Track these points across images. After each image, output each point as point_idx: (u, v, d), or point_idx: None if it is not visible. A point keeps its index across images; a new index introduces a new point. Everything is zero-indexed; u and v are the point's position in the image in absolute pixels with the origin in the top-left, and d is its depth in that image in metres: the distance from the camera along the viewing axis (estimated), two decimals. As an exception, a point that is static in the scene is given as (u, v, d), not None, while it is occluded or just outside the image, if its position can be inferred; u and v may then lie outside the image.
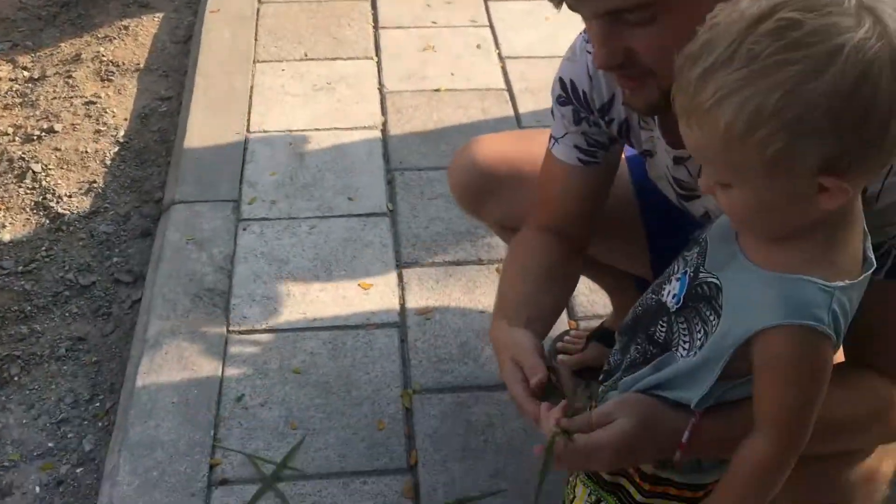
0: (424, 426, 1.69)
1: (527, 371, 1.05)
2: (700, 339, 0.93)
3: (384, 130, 2.45)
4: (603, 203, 1.33)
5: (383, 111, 2.52)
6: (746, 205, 0.85)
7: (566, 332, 1.86)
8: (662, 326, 0.99)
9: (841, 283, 0.85)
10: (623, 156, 1.47)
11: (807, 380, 0.88)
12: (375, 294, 1.98)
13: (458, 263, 2.05)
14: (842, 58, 0.74)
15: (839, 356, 1.01)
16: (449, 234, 2.13)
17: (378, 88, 2.61)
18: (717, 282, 0.92)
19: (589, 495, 1.13)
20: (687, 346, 0.95)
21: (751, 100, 0.76)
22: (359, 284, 2.00)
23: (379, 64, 2.69)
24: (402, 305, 1.95)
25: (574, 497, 1.16)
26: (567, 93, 1.23)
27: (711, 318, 0.92)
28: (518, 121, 2.50)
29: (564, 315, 1.94)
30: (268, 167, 2.32)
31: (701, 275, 0.95)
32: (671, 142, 1.14)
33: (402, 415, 1.72)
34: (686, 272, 0.98)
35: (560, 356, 1.79)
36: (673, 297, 0.98)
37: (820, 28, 0.75)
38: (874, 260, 0.89)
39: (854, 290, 0.87)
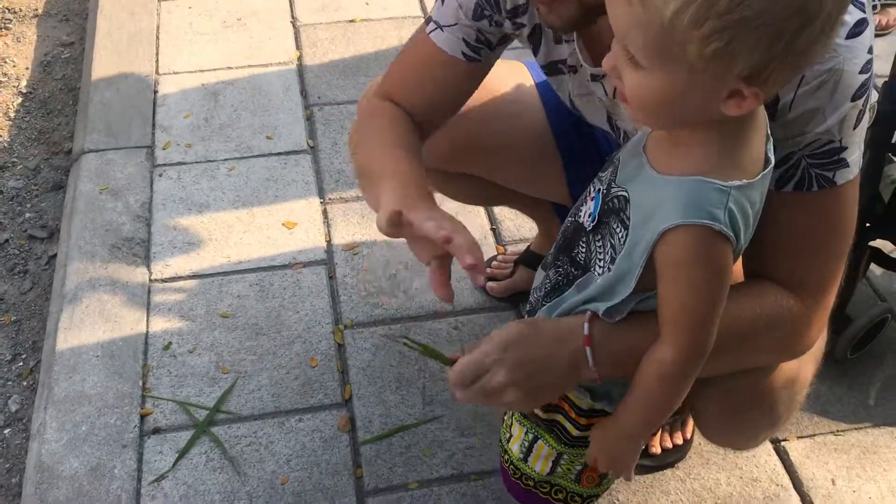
0: (357, 360, 1.69)
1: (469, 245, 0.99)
2: (611, 254, 0.94)
3: (300, 65, 2.39)
4: (462, 103, 1.28)
5: (298, 45, 2.45)
6: (654, 91, 0.83)
7: (494, 258, 1.86)
8: (582, 247, 1.00)
9: (738, 183, 0.85)
10: (533, 82, 1.46)
11: (706, 280, 0.89)
12: (301, 232, 1.95)
13: (382, 196, 2.03)
14: None
15: (740, 272, 1.03)
16: (372, 167, 2.10)
17: (291, 22, 2.53)
18: (626, 194, 0.92)
19: (525, 434, 1.14)
20: (602, 262, 0.96)
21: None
22: (283, 224, 1.97)
23: (291, -3, 2.61)
24: (329, 242, 1.93)
25: (511, 436, 1.17)
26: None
27: (619, 230, 0.93)
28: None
29: (492, 240, 1.94)
30: (181, 110, 2.24)
31: (612, 190, 0.95)
32: (592, 58, 1.12)
33: (335, 351, 1.71)
34: (599, 190, 0.98)
35: (490, 283, 1.80)
36: (588, 217, 0.99)
37: None
38: (773, 160, 0.90)
39: (754, 189, 0.87)
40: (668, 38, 0.77)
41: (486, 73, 1.27)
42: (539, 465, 1.14)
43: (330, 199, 2.03)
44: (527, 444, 1.14)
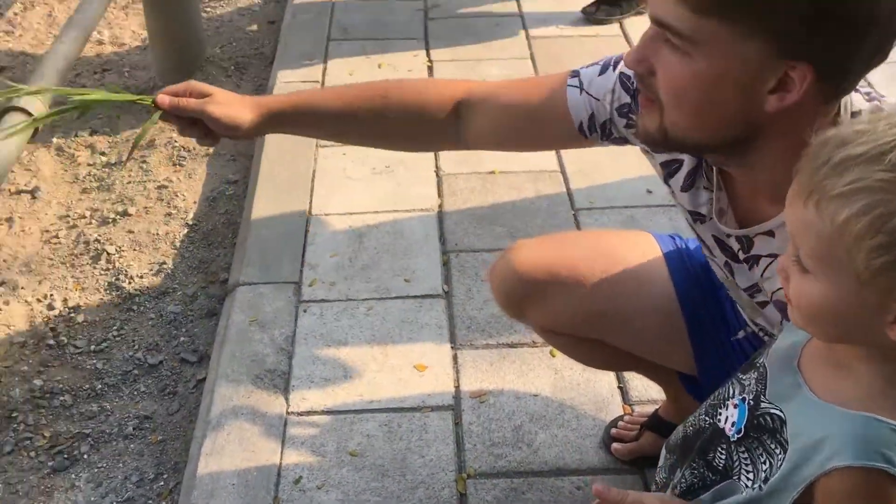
0: (478, 512, 1.71)
1: None
2: (765, 472, 0.93)
3: (440, 212, 2.52)
4: (524, 146, 1.39)
5: (439, 193, 2.60)
6: (817, 299, 0.83)
7: (620, 418, 1.86)
8: (721, 453, 0.99)
9: None
10: (660, 252, 1.49)
11: None
12: (431, 376, 2.01)
13: (511, 346, 2.08)
14: None
15: None
16: (503, 316, 2.15)
17: (435, 171, 2.69)
18: (781, 414, 0.92)
19: None
20: (751, 476, 0.95)
21: (882, 206, 0.75)
22: (414, 366, 2.04)
23: (436, 147, 2.78)
24: (457, 388, 1.98)
25: None
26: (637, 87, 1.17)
27: (777, 451, 0.91)
28: (571, 202, 2.55)
29: (619, 399, 1.94)
30: (328, 249, 2.40)
31: (762, 405, 0.94)
32: (739, 221, 1.13)
33: (457, 500, 1.73)
34: (745, 399, 0.97)
35: (614, 444, 1.79)
36: (732, 426, 0.98)
37: None
38: None
39: None
40: (836, 245, 0.78)
41: (573, 145, 1.31)
42: None
43: (461, 344, 2.10)
44: None
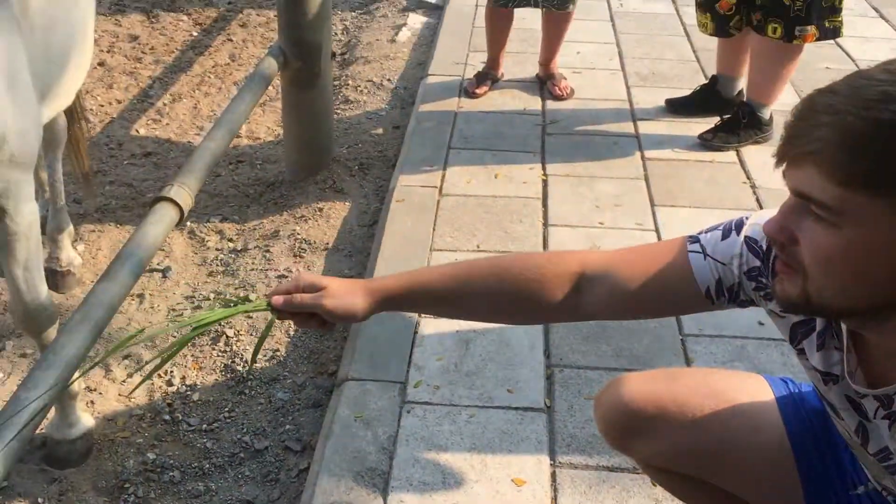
0: None
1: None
2: None
3: (547, 326, 2.56)
4: (650, 314, 1.41)
5: (547, 306, 2.63)
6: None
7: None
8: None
9: None
10: (773, 396, 1.48)
11: None
12: (528, 492, 2.01)
13: (612, 469, 2.06)
14: None
15: None
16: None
17: (544, 283, 2.73)
18: None
19: None
20: None
21: None
22: (512, 480, 2.04)
23: (546, 260, 2.83)
24: (554, 507, 1.97)
25: None
26: (767, 251, 1.20)
27: None
28: (679, 326, 2.54)
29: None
30: (434, 352, 2.46)
31: None
32: (870, 381, 1.13)
33: None
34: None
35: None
36: None
37: None
38: None
39: None
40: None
41: (697, 309, 1.32)
42: None
43: (560, 462, 2.09)
44: None
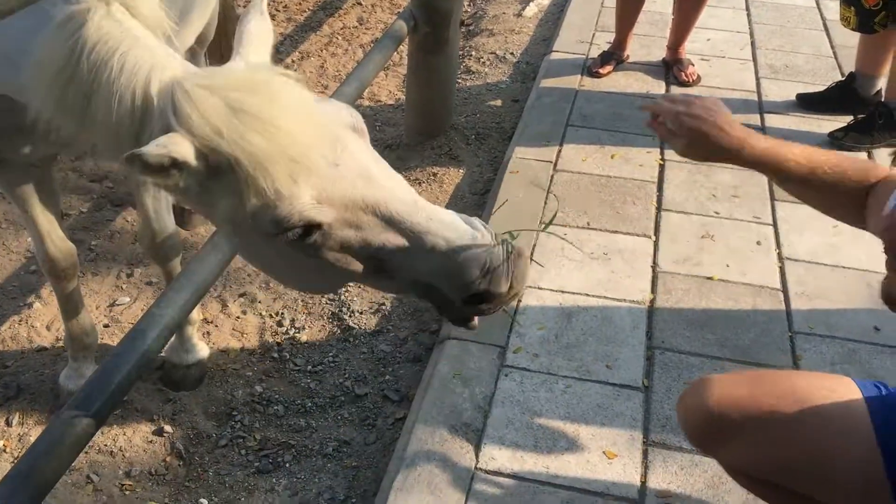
0: None
1: None
2: None
3: (651, 307, 2.54)
4: None
5: (653, 289, 2.62)
6: None
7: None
8: None
9: None
10: (861, 396, 1.42)
11: None
12: (619, 465, 2.02)
13: (705, 455, 2.05)
14: None
15: None
16: (701, 422, 2.13)
17: (651, 266, 2.71)
18: None
19: None
20: None
21: None
22: (604, 452, 2.06)
23: (656, 244, 2.81)
24: (643, 484, 1.98)
25: None
26: None
27: None
28: (789, 322, 2.48)
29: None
30: (536, 321, 2.48)
31: None
32: None
33: None
34: None
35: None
36: None
37: None
38: None
39: None
40: None
41: None
42: None
43: (653, 441, 2.09)
44: None
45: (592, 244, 2.81)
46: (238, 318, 2.64)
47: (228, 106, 1.19)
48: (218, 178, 1.22)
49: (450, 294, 1.36)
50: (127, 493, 2.07)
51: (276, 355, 2.50)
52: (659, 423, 2.15)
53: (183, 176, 1.20)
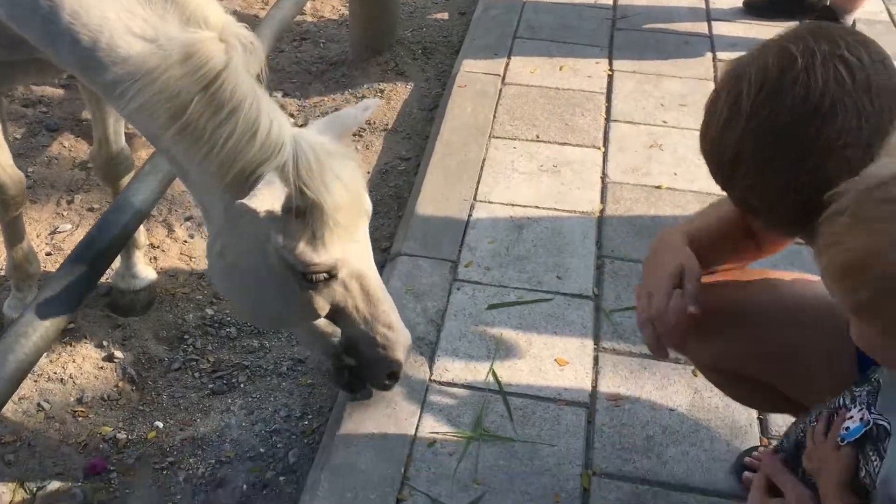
0: (599, 509, 1.75)
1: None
2: (861, 478, 0.98)
3: (600, 217, 2.56)
4: None
5: (602, 199, 2.63)
6: (859, 340, 0.96)
7: (755, 448, 1.84)
8: None
9: None
10: None
11: None
12: (570, 372, 2.06)
13: (654, 358, 2.09)
14: None
15: None
16: (650, 327, 2.17)
17: (601, 177, 2.72)
18: (888, 426, 0.96)
19: None
20: None
21: (846, 252, 0.89)
22: (555, 360, 2.09)
23: (605, 154, 2.81)
24: (594, 388, 2.02)
25: None
26: None
27: (874, 459, 0.96)
28: (735, 228, 2.51)
29: (757, 430, 1.92)
30: (487, 235, 2.48)
31: (872, 415, 1.00)
32: None
33: (579, 493, 1.78)
34: (863, 417, 1.01)
35: (746, 473, 1.78)
36: (846, 431, 1.04)
37: None
38: None
39: None
40: (833, 289, 0.95)
41: None
42: None
43: (604, 348, 2.13)
44: None
45: (542, 156, 2.80)
46: (185, 242, 2.59)
47: (331, 169, 1.47)
48: (283, 216, 1.47)
49: (374, 367, 1.73)
50: (80, 419, 2.06)
51: (226, 278, 2.47)
52: (609, 329, 2.18)
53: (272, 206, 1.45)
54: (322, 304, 1.62)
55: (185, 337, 2.28)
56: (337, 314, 1.66)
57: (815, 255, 0.95)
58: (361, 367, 1.75)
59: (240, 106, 1.42)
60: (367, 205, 1.63)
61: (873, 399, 1.00)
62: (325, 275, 1.55)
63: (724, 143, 1.16)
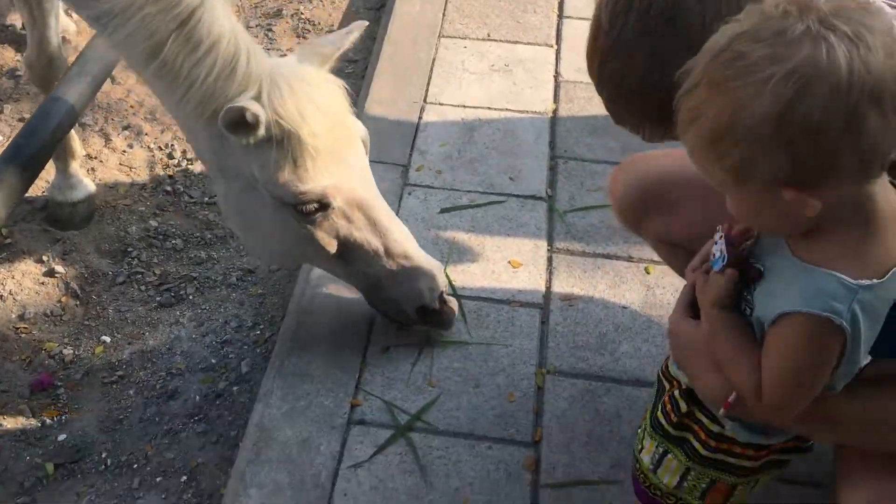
0: (553, 406, 1.76)
1: None
2: (748, 316, 1.04)
3: (554, 117, 2.51)
4: None
5: (556, 98, 2.57)
6: (738, 208, 0.97)
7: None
8: None
9: (867, 282, 0.91)
10: None
11: (801, 364, 0.96)
12: (524, 273, 2.05)
13: (607, 257, 2.09)
14: (779, 81, 0.84)
15: None
16: (603, 227, 2.16)
17: (554, 76, 2.66)
18: (761, 269, 1.02)
19: (657, 447, 1.24)
20: None
21: (710, 119, 0.89)
22: (509, 262, 2.07)
23: (558, 52, 2.74)
24: (548, 289, 2.01)
25: (642, 448, 1.27)
26: None
27: (751, 300, 1.02)
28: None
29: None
30: (438, 138, 2.42)
31: (749, 260, 1.05)
32: None
33: (534, 392, 1.79)
34: (731, 251, 1.06)
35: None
36: (713, 258, 1.10)
37: (761, 58, 0.86)
38: None
39: (884, 289, 0.92)
40: (704, 166, 0.94)
41: None
42: (667, 477, 1.23)
43: (557, 248, 2.12)
44: (657, 456, 1.24)
45: (493, 56, 2.71)
46: (124, 152, 2.49)
47: (307, 96, 1.49)
48: (262, 147, 1.49)
49: (402, 303, 1.72)
50: (23, 335, 2.00)
51: (169, 188, 2.39)
52: (563, 230, 2.17)
53: (248, 136, 1.46)
54: (327, 240, 1.60)
55: (129, 250, 2.21)
56: (348, 250, 1.63)
57: (681, 138, 0.96)
58: (390, 308, 1.74)
59: (217, 43, 1.42)
60: (358, 129, 1.61)
61: (755, 244, 1.07)
62: (315, 205, 1.53)
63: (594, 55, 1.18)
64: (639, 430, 1.30)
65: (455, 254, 2.08)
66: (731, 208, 0.98)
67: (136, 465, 1.75)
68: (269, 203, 1.56)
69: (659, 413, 1.23)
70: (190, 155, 2.48)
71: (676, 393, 1.20)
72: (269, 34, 2.93)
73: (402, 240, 1.68)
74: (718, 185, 0.95)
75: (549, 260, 2.09)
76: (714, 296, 1.07)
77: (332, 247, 1.62)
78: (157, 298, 2.10)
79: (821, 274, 0.93)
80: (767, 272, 1.01)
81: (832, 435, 1.11)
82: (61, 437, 1.80)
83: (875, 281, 0.92)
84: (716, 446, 1.16)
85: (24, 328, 2.01)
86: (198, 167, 2.44)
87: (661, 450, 1.23)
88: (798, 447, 1.18)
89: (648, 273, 2.02)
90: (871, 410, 1.06)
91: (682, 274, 1.68)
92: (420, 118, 2.49)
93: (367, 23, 1.76)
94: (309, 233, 1.58)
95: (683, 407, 1.18)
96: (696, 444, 1.18)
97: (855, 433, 1.08)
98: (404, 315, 1.77)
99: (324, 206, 1.55)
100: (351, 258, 1.65)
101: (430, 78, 2.63)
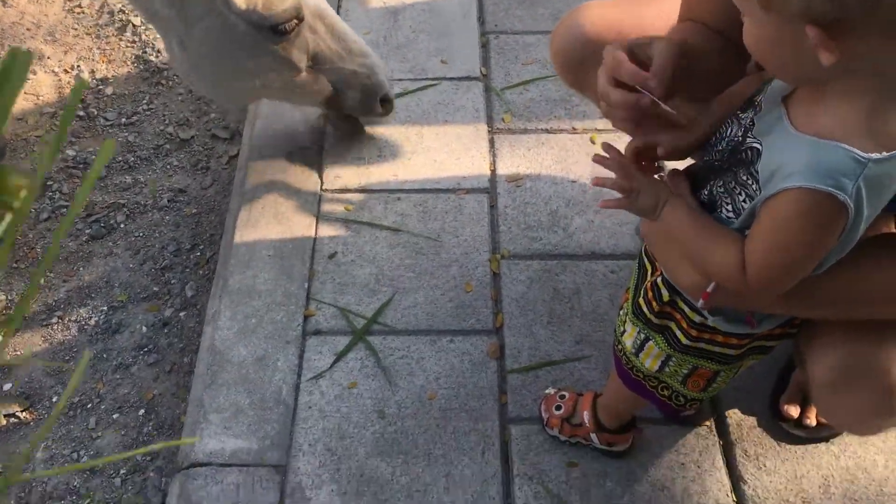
0: (511, 290, 1.72)
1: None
2: (742, 203, 0.94)
3: (480, -9, 2.38)
4: None
5: (480, -29, 2.43)
6: (752, 35, 0.86)
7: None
8: (706, 190, 1.02)
9: (877, 156, 0.82)
10: None
11: (796, 241, 0.88)
12: (467, 159, 1.97)
13: (550, 131, 2.02)
14: None
15: None
16: (542, 101, 2.08)
17: (475, -54, 2.50)
18: (760, 147, 0.92)
19: (638, 333, 1.20)
20: (730, 208, 0.97)
21: None
22: (450, 148, 1.99)
23: (477, -80, 2.57)
24: (493, 172, 1.94)
25: (624, 331, 1.24)
26: None
27: (750, 182, 0.92)
28: None
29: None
30: (361, 27, 2.29)
31: (748, 140, 0.95)
32: None
33: (490, 279, 1.74)
34: (736, 134, 0.98)
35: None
36: (718, 155, 1.00)
37: None
38: None
39: (893, 164, 0.83)
40: None
41: None
42: (649, 361, 1.21)
43: (498, 128, 2.04)
44: (639, 342, 1.20)
45: (409, -69, 2.54)
46: (29, 79, 2.31)
47: None
48: None
49: (368, 97, 1.81)
50: (-52, 289, 1.89)
51: (82, 113, 2.24)
52: (502, 109, 2.08)
53: None
54: (298, 56, 1.66)
55: (49, 183, 2.08)
56: (315, 62, 1.71)
57: None
58: (357, 104, 1.82)
59: None
60: None
61: (752, 124, 0.96)
62: (295, 21, 1.58)
63: None
64: (621, 312, 1.25)
65: (393, 147, 1.99)
66: (746, 33, 0.88)
67: (89, 405, 1.69)
68: (241, 32, 1.57)
69: (641, 299, 1.17)
70: (100, 75, 2.31)
71: (659, 280, 1.13)
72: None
73: (357, 39, 1.76)
74: (743, 2, 0.85)
75: (491, 142, 2.01)
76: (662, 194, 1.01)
77: (303, 63, 1.68)
78: (87, 231, 1.99)
79: (826, 146, 0.84)
80: (766, 149, 0.92)
81: (810, 312, 1.06)
82: (7, 386, 1.72)
83: (885, 154, 0.82)
84: (697, 336, 1.12)
85: (-51, 280, 1.90)
86: (110, 88, 2.28)
87: (642, 335, 1.19)
88: (785, 333, 1.13)
89: (594, 142, 1.96)
90: (853, 286, 1.00)
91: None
92: (339, 6, 2.34)
93: None
94: (286, 53, 1.63)
95: (665, 295, 1.12)
96: (678, 333, 1.14)
97: (839, 310, 1.04)
98: (370, 108, 1.85)
99: (299, 19, 1.60)
100: (319, 69, 1.73)
101: (344, -38, 2.46)
